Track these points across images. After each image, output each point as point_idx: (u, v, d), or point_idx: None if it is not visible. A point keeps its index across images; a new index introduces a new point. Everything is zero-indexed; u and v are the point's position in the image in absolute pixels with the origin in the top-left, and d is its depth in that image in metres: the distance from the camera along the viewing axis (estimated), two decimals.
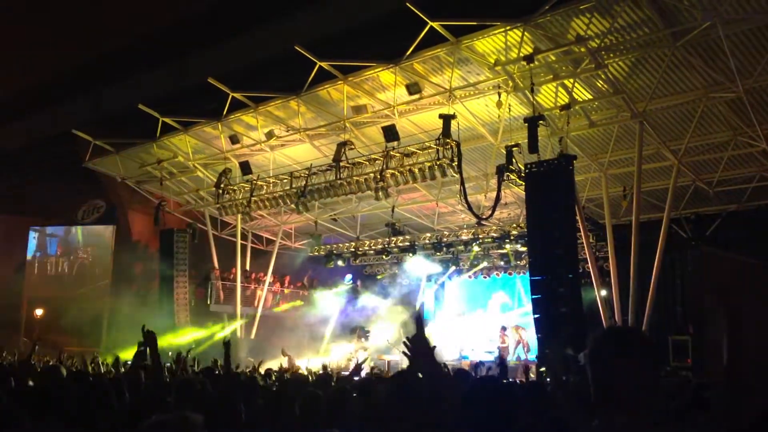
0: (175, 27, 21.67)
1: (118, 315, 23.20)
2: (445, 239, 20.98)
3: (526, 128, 13.11)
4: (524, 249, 18.20)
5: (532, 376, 16.14)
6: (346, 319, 24.13)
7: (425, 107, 15.87)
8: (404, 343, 2.61)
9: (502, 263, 21.76)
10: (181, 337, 20.32)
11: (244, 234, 23.22)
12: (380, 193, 16.20)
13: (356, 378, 7.45)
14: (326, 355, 21.78)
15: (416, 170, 15.50)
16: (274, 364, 14.99)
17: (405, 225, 22.43)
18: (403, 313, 23.03)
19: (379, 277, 24.64)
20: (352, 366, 19.20)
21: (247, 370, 11.82)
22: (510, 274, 22.09)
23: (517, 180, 14.55)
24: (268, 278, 23.55)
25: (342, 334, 22.83)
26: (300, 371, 13.09)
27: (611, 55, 13.08)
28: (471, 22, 13.19)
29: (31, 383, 5.88)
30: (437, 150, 15.07)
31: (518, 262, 20.81)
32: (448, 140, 14.68)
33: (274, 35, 19.79)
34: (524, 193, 14.16)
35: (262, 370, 11.77)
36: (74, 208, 26.67)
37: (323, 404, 3.86)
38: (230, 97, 17.10)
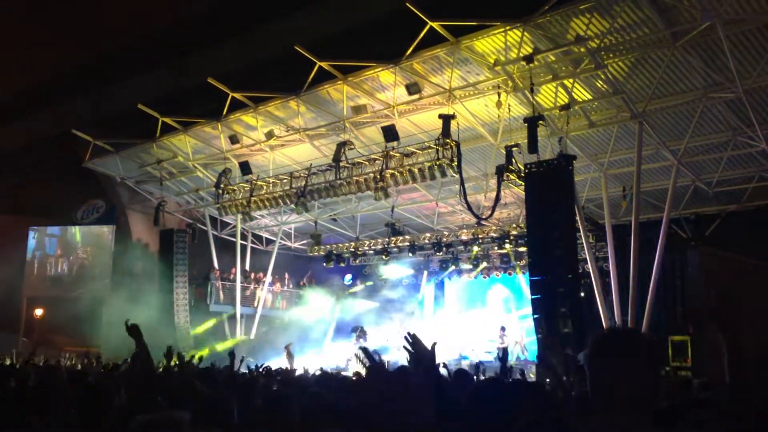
0: (175, 27, 21.65)
1: (117, 315, 23.18)
2: (444, 239, 20.99)
3: (525, 128, 13.12)
4: (524, 249, 18.20)
5: (532, 376, 16.18)
6: (346, 319, 24.15)
7: (425, 107, 15.88)
8: (405, 338, 2.61)
9: (501, 263, 21.75)
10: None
11: (243, 234, 23.24)
12: (380, 193, 16.20)
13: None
14: (325, 355, 21.78)
15: (416, 170, 15.50)
16: (273, 364, 14.99)
17: (405, 225, 22.45)
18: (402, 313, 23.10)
19: (377, 278, 24.63)
20: (352, 367, 19.26)
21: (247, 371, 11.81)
22: (510, 274, 22.08)
23: (517, 180, 14.55)
24: (268, 278, 23.55)
25: (341, 333, 22.83)
26: (295, 372, 13.11)
27: (611, 55, 13.09)
28: (471, 22, 13.20)
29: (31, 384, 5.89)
30: (437, 150, 15.07)
31: (518, 262, 20.81)
32: (447, 140, 14.69)
33: (274, 35, 19.76)
34: (524, 193, 14.17)
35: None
36: (74, 208, 26.65)
37: (325, 404, 3.86)
38: (230, 97, 17.11)
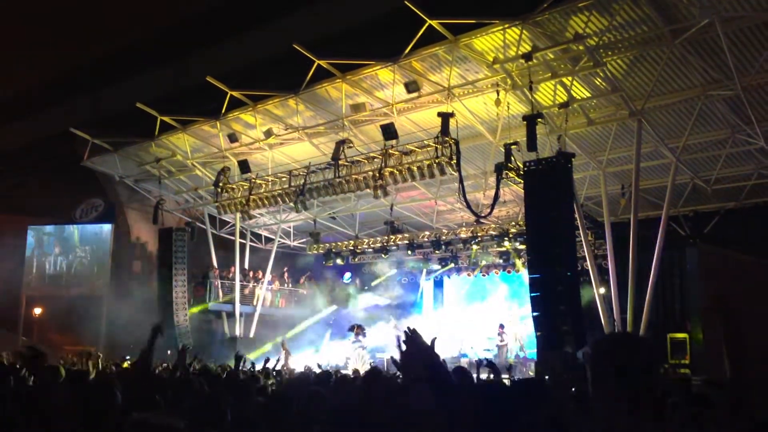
0: (174, 26, 21.67)
1: (116, 314, 23.20)
2: (443, 237, 20.99)
3: (524, 126, 13.10)
4: (523, 247, 18.21)
5: (531, 373, 16.20)
6: (344, 317, 24.15)
7: (424, 105, 15.88)
8: (405, 332, 2.61)
9: (501, 261, 21.76)
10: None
11: (242, 232, 23.23)
12: (379, 192, 16.21)
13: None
14: (324, 353, 21.79)
15: (415, 168, 15.50)
16: (272, 362, 14.97)
17: (404, 223, 22.45)
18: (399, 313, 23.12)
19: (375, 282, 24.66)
20: (351, 365, 19.27)
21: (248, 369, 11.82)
22: (509, 272, 22.09)
23: (516, 178, 14.55)
24: (267, 277, 23.55)
25: (340, 332, 22.83)
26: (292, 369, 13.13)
27: (609, 52, 13.10)
28: (469, 21, 13.20)
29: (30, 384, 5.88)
30: (436, 148, 15.07)
31: (517, 260, 20.82)
32: (446, 138, 14.68)
33: (273, 34, 19.78)
34: (523, 191, 14.17)
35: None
36: (72, 206, 26.64)
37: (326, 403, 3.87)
38: (229, 95, 17.10)
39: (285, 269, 25.26)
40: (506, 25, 12.84)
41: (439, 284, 25.09)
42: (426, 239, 21.27)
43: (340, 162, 16.65)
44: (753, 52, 12.44)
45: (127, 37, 22.25)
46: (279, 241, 24.11)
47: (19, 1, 20.89)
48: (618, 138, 15.40)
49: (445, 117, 14.50)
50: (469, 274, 23.20)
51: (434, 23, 13.12)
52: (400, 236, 21.52)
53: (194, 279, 22.62)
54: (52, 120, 24.84)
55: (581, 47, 12.50)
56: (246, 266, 23.51)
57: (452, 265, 22.59)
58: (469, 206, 15.95)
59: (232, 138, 18.90)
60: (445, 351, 21.41)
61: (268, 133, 18.24)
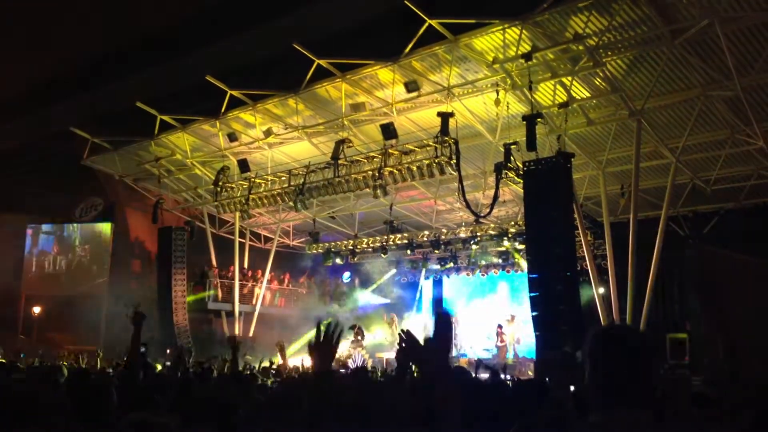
0: (174, 25, 21.65)
1: (115, 313, 23.19)
2: (443, 237, 20.99)
3: (524, 126, 13.11)
4: (522, 247, 18.22)
5: (530, 373, 16.21)
6: (344, 317, 24.15)
7: (423, 105, 15.88)
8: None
9: (500, 261, 21.78)
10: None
11: (242, 232, 23.22)
12: (378, 191, 16.21)
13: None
14: None
15: (414, 168, 15.50)
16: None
17: (403, 223, 22.45)
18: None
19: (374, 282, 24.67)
20: (350, 364, 19.28)
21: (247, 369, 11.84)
22: (508, 271, 22.10)
23: (516, 178, 14.56)
24: (266, 276, 23.55)
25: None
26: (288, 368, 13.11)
27: (609, 53, 13.10)
28: (469, 20, 13.20)
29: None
30: (435, 148, 15.08)
31: (516, 260, 20.83)
32: (446, 138, 14.69)
33: (273, 33, 19.76)
34: (522, 191, 14.18)
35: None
36: (72, 205, 26.66)
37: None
38: (228, 94, 17.10)
39: (286, 274, 25.22)
40: (506, 25, 12.85)
41: (438, 284, 25.10)
42: (425, 239, 21.29)
43: (340, 161, 16.65)
44: (752, 52, 12.44)
45: (126, 35, 22.24)
46: (278, 240, 24.12)
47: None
48: (617, 138, 15.41)
49: (445, 117, 14.50)
50: (468, 274, 23.21)
51: (434, 23, 13.13)
52: (399, 236, 21.53)
53: (194, 278, 22.60)
54: (52, 119, 24.82)
55: (581, 47, 12.50)
56: (245, 265, 23.50)
57: (451, 264, 22.60)
58: (468, 206, 15.96)
59: (232, 137, 18.90)
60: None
61: (268, 133, 18.24)
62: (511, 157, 14.26)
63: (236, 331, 22.03)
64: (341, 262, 23.13)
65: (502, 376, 12.65)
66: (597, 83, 13.83)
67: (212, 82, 16.67)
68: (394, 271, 24.26)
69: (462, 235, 20.60)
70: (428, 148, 15.36)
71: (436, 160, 15.00)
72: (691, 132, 14.47)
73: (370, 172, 16.20)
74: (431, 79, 15.04)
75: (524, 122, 13.14)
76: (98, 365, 13.01)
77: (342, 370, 13.96)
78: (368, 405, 2.69)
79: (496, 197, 14.91)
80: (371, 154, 16.61)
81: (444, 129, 14.56)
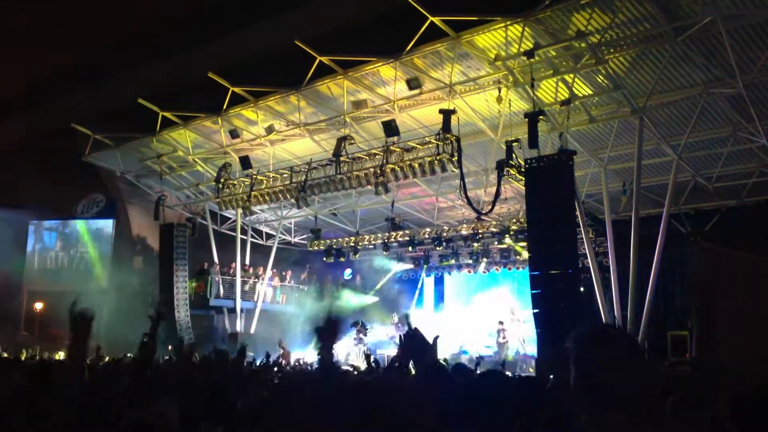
0: (176, 21, 21.65)
1: (117, 309, 23.22)
2: (444, 234, 21.00)
3: (526, 123, 13.12)
4: (524, 244, 18.21)
5: (531, 371, 16.21)
6: (345, 314, 24.17)
7: (425, 102, 15.87)
8: (406, 332, 2.61)
9: (501, 258, 21.76)
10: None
11: (243, 229, 23.22)
12: (380, 188, 16.22)
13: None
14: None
15: (416, 165, 15.51)
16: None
17: (405, 220, 22.47)
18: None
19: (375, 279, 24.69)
20: (351, 361, 19.30)
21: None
22: (509, 269, 22.09)
23: (517, 175, 14.56)
24: (268, 273, 23.57)
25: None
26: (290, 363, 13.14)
27: (611, 50, 13.08)
28: (472, 18, 13.19)
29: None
30: (437, 145, 15.09)
31: (518, 257, 20.83)
32: (448, 135, 14.70)
33: (275, 30, 19.77)
34: (524, 188, 14.18)
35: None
36: (74, 202, 26.68)
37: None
38: (230, 91, 17.10)
39: (287, 271, 25.23)
40: (508, 22, 12.83)
41: (439, 281, 25.10)
42: (427, 236, 21.29)
43: (342, 158, 16.67)
44: (755, 49, 12.42)
45: (128, 32, 22.24)
46: (280, 237, 24.13)
47: None
48: (619, 135, 15.39)
49: (447, 114, 14.50)
50: (469, 271, 23.20)
51: (436, 20, 13.11)
52: (401, 233, 21.53)
53: (195, 275, 22.62)
54: (54, 115, 24.84)
55: (583, 44, 12.49)
56: (247, 262, 23.52)
57: (453, 261, 22.59)
58: (470, 203, 15.97)
59: (234, 134, 18.90)
60: (445, 348, 21.44)
61: (270, 130, 18.23)
62: (513, 155, 14.26)
63: (238, 328, 22.05)
64: (343, 259, 23.14)
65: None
66: (599, 80, 13.81)
67: (214, 78, 16.66)
68: (395, 268, 24.24)
69: (463, 232, 20.60)
70: (430, 146, 15.37)
71: (438, 158, 15.01)
72: (693, 129, 14.45)
73: (372, 169, 16.21)
74: (433, 77, 15.03)
75: (526, 119, 13.15)
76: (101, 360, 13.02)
77: (344, 368, 13.97)
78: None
79: (497, 194, 14.91)
80: (373, 151, 16.62)
81: (446, 126, 14.56)
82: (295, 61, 15.61)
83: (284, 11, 20.15)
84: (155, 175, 21.39)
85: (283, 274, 25.06)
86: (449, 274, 24.36)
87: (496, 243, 20.64)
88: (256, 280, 23.44)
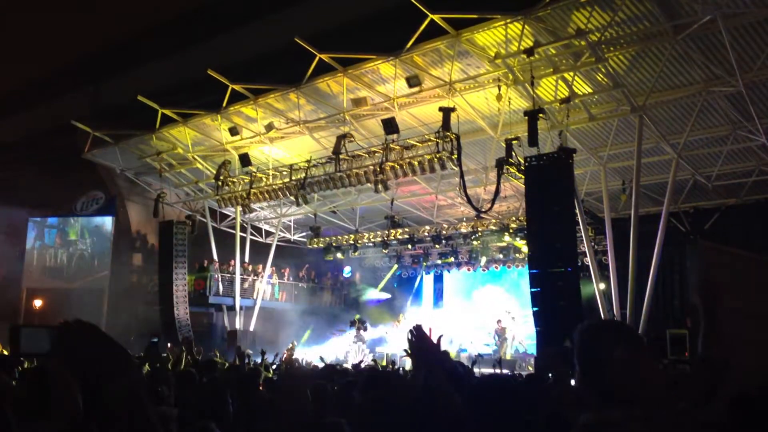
0: (175, 19, 21.64)
1: (117, 307, 23.24)
2: (444, 232, 21.01)
3: (526, 121, 13.12)
4: (524, 242, 18.23)
5: (530, 369, 16.22)
6: (345, 311, 24.22)
7: (425, 100, 15.86)
8: (409, 340, 2.60)
9: (501, 256, 21.78)
10: None
11: (243, 226, 23.23)
12: (380, 186, 16.23)
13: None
14: (324, 347, 21.84)
15: (416, 163, 15.51)
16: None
17: (404, 218, 22.49)
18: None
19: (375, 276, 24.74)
20: (351, 359, 19.33)
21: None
22: (509, 267, 22.11)
23: (517, 173, 14.57)
24: (267, 270, 23.58)
25: (341, 326, 22.88)
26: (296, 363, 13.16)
27: (611, 48, 13.07)
28: (471, 15, 13.18)
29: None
30: (437, 143, 15.09)
31: (517, 255, 20.85)
32: (447, 133, 14.69)
33: (274, 27, 19.76)
34: (524, 186, 14.19)
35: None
36: (73, 199, 26.65)
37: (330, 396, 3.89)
38: (230, 89, 17.07)
39: (287, 269, 25.24)
40: (508, 20, 12.82)
41: (438, 279, 25.13)
42: (426, 234, 21.30)
43: (341, 156, 16.66)
44: (755, 48, 12.43)
45: (128, 29, 22.23)
46: (279, 234, 24.13)
47: None
48: (619, 134, 15.40)
49: (447, 112, 14.50)
50: (469, 269, 23.23)
51: (436, 18, 13.10)
52: (400, 231, 21.55)
53: (194, 272, 22.62)
54: (53, 112, 24.84)
55: (583, 43, 12.49)
56: (246, 260, 23.53)
57: (452, 259, 22.62)
58: (469, 201, 15.97)
59: (233, 131, 18.88)
60: (444, 346, 21.44)
61: (269, 127, 18.21)
62: (513, 153, 14.27)
63: (237, 325, 22.06)
64: (342, 257, 23.16)
65: (498, 370, 12.68)
66: (599, 79, 13.81)
67: (214, 76, 16.65)
68: (395, 266, 24.27)
69: (463, 230, 20.62)
70: (429, 143, 15.37)
71: (438, 155, 15.01)
72: (693, 128, 14.46)
73: (372, 167, 16.21)
74: (433, 74, 15.02)
75: (526, 117, 13.14)
76: None
77: (345, 365, 14.00)
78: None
79: (497, 192, 14.92)
80: (372, 148, 16.62)
81: (445, 124, 14.55)
82: (295, 58, 15.60)
83: (284, 8, 20.13)
84: (155, 172, 21.38)
85: (282, 271, 25.08)
86: (448, 272, 24.40)
87: (495, 241, 20.66)
88: (255, 277, 23.45)
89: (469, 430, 2.43)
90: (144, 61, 23.16)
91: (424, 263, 23.57)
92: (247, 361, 9.21)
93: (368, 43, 15.69)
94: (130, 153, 21.33)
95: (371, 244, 22.50)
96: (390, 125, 15.55)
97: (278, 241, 24.03)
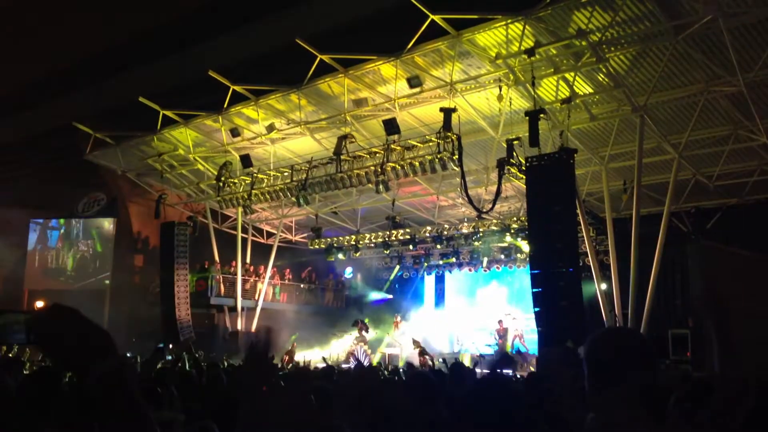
0: (176, 19, 21.63)
1: (118, 308, 23.26)
2: (445, 232, 21.02)
3: (526, 122, 13.11)
4: (525, 242, 18.23)
5: (532, 368, 16.21)
6: (347, 312, 24.22)
7: (426, 100, 15.86)
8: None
9: (502, 256, 21.79)
10: None
11: (244, 227, 23.25)
12: (381, 187, 16.23)
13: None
14: (326, 347, 21.85)
15: (417, 163, 15.52)
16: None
17: (405, 218, 22.48)
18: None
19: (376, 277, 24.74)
20: (352, 359, 19.34)
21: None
22: (510, 267, 22.12)
23: (518, 173, 14.56)
24: (269, 271, 23.59)
25: (342, 326, 22.89)
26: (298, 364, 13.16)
27: (612, 48, 13.07)
28: (472, 16, 13.18)
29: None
30: (438, 143, 15.09)
31: (519, 256, 20.85)
32: (448, 133, 14.69)
33: (275, 28, 19.74)
34: (525, 186, 14.18)
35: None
36: (75, 200, 26.68)
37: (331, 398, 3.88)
38: (231, 90, 17.08)
39: (288, 269, 25.25)
40: (509, 21, 12.82)
41: (440, 279, 25.14)
42: (427, 234, 21.31)
43: (342, 157, 16.67)
44: (756, 48, 12.42)
45: (129, 30, 22.23)
46: (280, 235, 24.14)
47: None
48: (620, 134, 15.39)
49: (448, 112, 14.50)
50: (470, 270, 23.23)
51: (437, 18, 13.10)
52: (401, 231, 21.55)
53: (196, 273, 22.62)
54: (55, 113, 24.82)
55: (584, 43, 12.48)
56: (248, 261, 23.54)
57: (453, 260, 22.63)
58: (470, 201, 15.97)
59: (234, 132, 18.90)
60: (445, 346, 21.49)
61: (270, 128, 18.22)
62: (514, 153, 14.27)
63: (239, 327, 22.07)
64: (343, 258, 23.16)
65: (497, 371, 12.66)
66: (600, 79, 13.81)
67: (215, 77, 16.66)
68: (396, 266, 24.28)
69: (464, 230, 20.62)
70: (431, 144, 15.37)
71: (439, 156, 15.01)
72: (694, 128, 14.45)
73: (373, 168, 16.22)
74: (434, 75, 15.02)
75: (527, 118, 13.14)
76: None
77: (345, 365, 14.00)
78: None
79: (498, 193, 14.92)
80: (374, 149, 16.62)
81: (446, 124, 14.56)
82: (296, 59, 15.59)
83: (285, 9, 20.12)
84: (156, 173, 21.39)
85: (284, 272, 25.08)
86: (450, 272, 24.41)
87: (496, 241, 20.66)
88: (256, 278, 23.46)
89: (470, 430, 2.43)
90: (145, 62, 23.15)
91: (426, 264, 23.58)
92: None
93: (369, 43, 15.68)
94: (132, 154, 21.34)
95: (372, 245, 22.50)
96: (391, 126, 15.56)
97: (279, 242, 24.04)
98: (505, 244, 20.54)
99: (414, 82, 15.11)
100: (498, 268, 22.39)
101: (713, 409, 2.10)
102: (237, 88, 17.03)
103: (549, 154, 13.44)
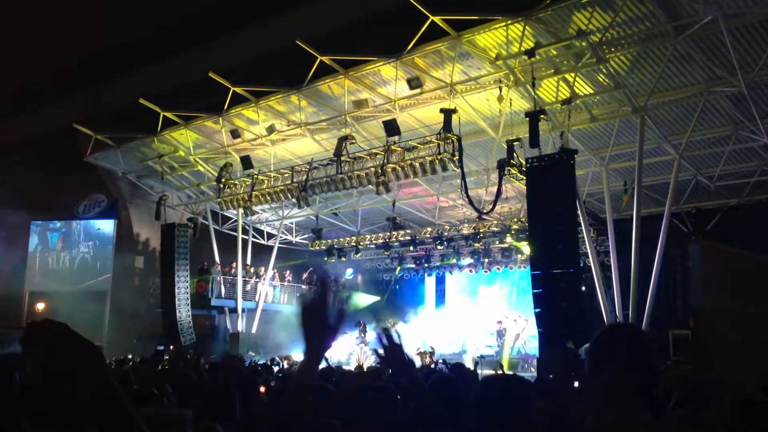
0: (176, 21, 21.65)
1: (119, 309, 23.25)
2: (445, 233, 21.01)
3: (527, 123, 13.11)
4: (525, 243, 18.22)
5: (533, 370, 16.21)
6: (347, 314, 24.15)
7: (426, 102, 15.86)
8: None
9: (502, 257, 21.78)
10: None
11: (245, 228, 23.25)
12: (381, 188, 16.23)
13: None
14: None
15: (417, 165, 15.51)
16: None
17: (406, 219, 22.48)
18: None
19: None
20: (353, 361, 19.32)
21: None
22: (510, 268, 22.11)
23: (518, 174, 14.55)
24: (269, 273, 23.58)
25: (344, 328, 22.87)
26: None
27: (612, 49, 13.07)
28: (472, 17, 13.18)
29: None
30: (438, 144, 15.09)
31: (519, 257, 20.84)
32: (449, 135, 14.69)
33: (276, 30, 19.75)
34: (525, 187, 14.17)
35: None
36: (75, 202, 26.68)
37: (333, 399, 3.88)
38: (231, 91, 17.09)
39: (287, 271, 25.25)
40: (509, 22, 12.82)
41: (440, 280, 25.13)
42: (428, 235, 21.30)
43: (343, 158, 16.67)
44: (756, 48, 12.41)
45: (129, 32, 22.24)
46: (281, 237, 24.14)
47: None
48: (621, 134, 15.39)
49: (448, 113, 14.50)
50: (471, 271, 23.22)
51: (437, 19, 13.10)
52: (402, 232, 21.54)
53: (196, 275, 22.62)
54: (55, 115, 24.83)
55: (584, 43, 12.48)
56: (248, 262, 23.53)
57: (454, 261, 22.61)
58: (471, 202, 15.98)
59: (235, 134, 18.91)
60: (446, 347, 21.46)
61: (271, 129, 18.23)
62: (514, 154, 14.26)
63: (239, 328, 22.06)
64: (344, 259, 23.15)
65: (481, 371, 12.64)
66: (600, 79, 13.80)
67: (215, 78, 16.66)
68: (396, 267, 24.26)
69: (465, 231, 20.61)
70: (431, 145, 15.37)
71: (439, 157, 15.01)
72: (695, 128, 14.45)
73: (373, 169, 16.22)
74: (434, 76, 15.02)
75: (527, 119, 13.14)
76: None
77: (346, 368, 13.98)
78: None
79: (498, 194, 14.91)
80: (374, 150, 16.63)
81: (447, 125, 14.55)
82: (296, 60, 15.60)
83: (285, 11, 20.13)
84: (156, 175, 21.41)
85: (284, 273, 25.07)
86: (450, 273, 24.39)
87: (497, 242, 20.66)
88: (257, 279, 23.45)
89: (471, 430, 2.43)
90: (145, 63, 23.16)
91: (426, 265, 23.57)
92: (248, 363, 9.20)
93: (369, 45, 15.70)
94: (132, 156, 21.36)
95: (373, 246, 22.49)
96: (391, 127, 15.56)
97: (280, 243, 24.04)
98: (506, 245, 20.53)
99: (414, 83, 15.11)
100: (498, 269, 22.38)
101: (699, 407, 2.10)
102: (237, 89, 17.04)
103: (549, 155, 13.44)
